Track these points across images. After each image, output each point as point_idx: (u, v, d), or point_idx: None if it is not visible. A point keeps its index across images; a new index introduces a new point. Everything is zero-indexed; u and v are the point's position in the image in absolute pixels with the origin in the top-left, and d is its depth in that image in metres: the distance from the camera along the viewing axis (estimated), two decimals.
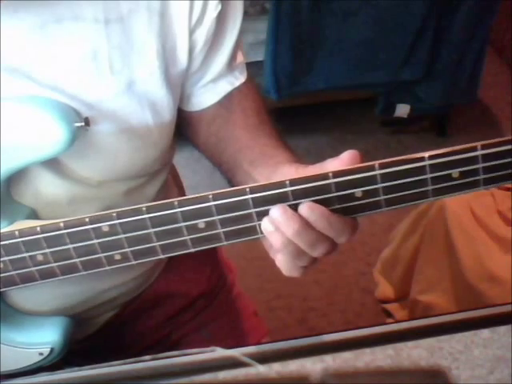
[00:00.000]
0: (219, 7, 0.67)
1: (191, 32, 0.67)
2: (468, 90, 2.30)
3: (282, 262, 0.59)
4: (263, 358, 0.68)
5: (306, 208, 0.56)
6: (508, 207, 1.48)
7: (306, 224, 0.56)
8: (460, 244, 1.49)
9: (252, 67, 0.79)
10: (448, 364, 0.68)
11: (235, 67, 0.75)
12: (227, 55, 0.72)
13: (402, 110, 2.35)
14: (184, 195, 0.97)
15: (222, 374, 0.68)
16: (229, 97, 0.75)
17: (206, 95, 0.74)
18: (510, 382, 0.67)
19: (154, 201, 0.77)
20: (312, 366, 0.68)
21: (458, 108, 2.45)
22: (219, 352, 0.66)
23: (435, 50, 2.14)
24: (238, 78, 0.75)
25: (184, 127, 0.79)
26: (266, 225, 0.57)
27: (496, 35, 2.30)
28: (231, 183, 0.75)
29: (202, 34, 0.68)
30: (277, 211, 0.56)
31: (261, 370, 0.67)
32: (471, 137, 2.42)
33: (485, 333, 0.71)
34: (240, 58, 0.76)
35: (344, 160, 0.56)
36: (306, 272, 0.61)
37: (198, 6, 0.66)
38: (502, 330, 0.71)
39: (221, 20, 0.69)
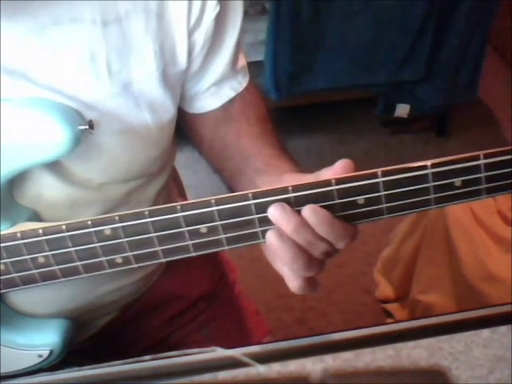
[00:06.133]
0: (218, 8, 0.67)
1: (190, 33, 0.67)
2: (468, 90, 2.30)
3: (291, 276, 0.59)
4: (263, 358, 0.67)
5: (308, 210, 0.56)
6: (508, 207, 1.48)
7: (304, 222, 0.56)
8: (460, 244, 1.49)
9: (252, 67, 0.79)
10: (448, 364, 0.68)
11: (238, 71, 0.75)
12: (228, 57, 0.72)
13: (402, 110, 2.35)
14: (184, 195, 0.98)
15: (222, 374, 0.68)
16: (232, 102, 0.75)
17: (209, 99, 0.74)
18: (510, 382, 0.67)
19: (155, 202, 0.78)
20: (312, 365, 0.68)
21: (458, 108, 2.45)
22: (219, 352, 0.66)
23: (435, 50, 2.14)
24: (241, 83, 0.75)
25: (188, 130, 0.79)
26: (270, 236, 0.57)
27: (496, 35, 2.30)
28: (232, 190, 0.75)
29: (201, 35, 0.68)
30: (275, 209, 0.56)
31: (261, 370, 0.67)
32: (471, 137, 2.43)
33: (485, 333, 0.71)
34: (242, 61, 0.76)
35: (336, 169, 0.56)
36: (315, 288, 0.60)
37: (196, 7, 0.66)
38: (502, 330, 0.71)
39: (220, 21, 0.69)
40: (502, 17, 2.19)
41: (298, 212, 0.56)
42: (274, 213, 0.56)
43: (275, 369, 0.68)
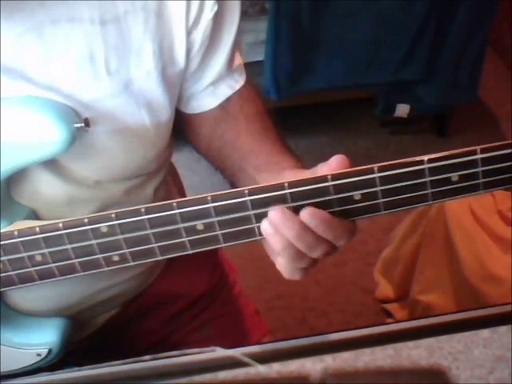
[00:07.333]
0: (215, 8, 0.67)
1: (188, 32, 0.67)
2: (468, 91, 2.29)
3: (283, 264, 0.59)
4: (263, 358, 0.68)
5: (307, 214, 0.56)
6: (508, 207, 1.48)
7: (305, 227, 0.56)
8: (460, 244, 1.49)
9: (252, 67, 0.79)
10: (448, 364, 0.68)
11: (234, 70, 0.75)
12: (225, 56, 0.72)
13: (402, 110, 2.35)
14: (184, 195, 0.98)
15: (222, 374, 0.68)
16: (230, 101, 0.75)
17: (207, 98, 0.75)
18: (510, 382, 0.67)
19: (153, 201, 0.78)
20: (312, 365, 0.68)
21: (458, 108, 2.45)
22: (219, 352, 0.66)
23: (435, 50, 2.14)
24: (238, 81, 0.75)
25: (186, 131, 0.79)
26: (265, 227, 0.57)
27: (496, 36, 2.30)
28: (234, 187, 0.75)
29: (199, 35, 0.68)
30: (276, 214, 0.56)
31: (261, 369, 0.67)
32: (471, 137, 2.43)
33: (485, 333, 0.71)
34: (238, 59, 0.76)
35: (332, 165, 0.56)
36: (307, 274, 0.61)
37: (194, 6, 0.66)
38: (502, 330, 0.71)
39: (218, 20, 0.69)
40: (501, 17, 2.19)
41: (296, 211, 0.56)
42: (274, 218, 0.56)
43: (275, 369, 0.68)
